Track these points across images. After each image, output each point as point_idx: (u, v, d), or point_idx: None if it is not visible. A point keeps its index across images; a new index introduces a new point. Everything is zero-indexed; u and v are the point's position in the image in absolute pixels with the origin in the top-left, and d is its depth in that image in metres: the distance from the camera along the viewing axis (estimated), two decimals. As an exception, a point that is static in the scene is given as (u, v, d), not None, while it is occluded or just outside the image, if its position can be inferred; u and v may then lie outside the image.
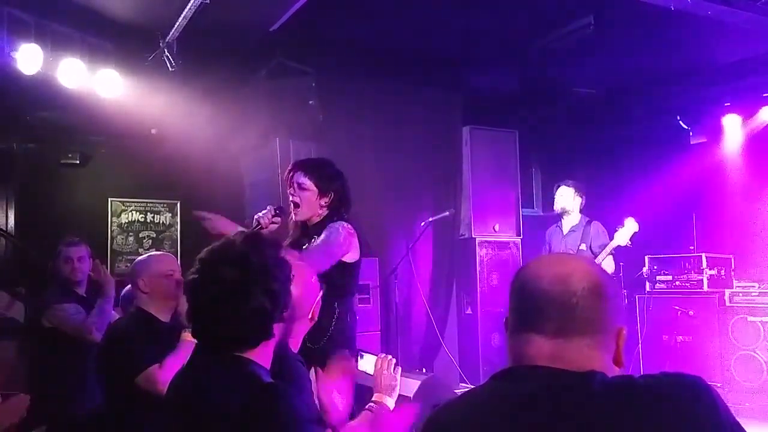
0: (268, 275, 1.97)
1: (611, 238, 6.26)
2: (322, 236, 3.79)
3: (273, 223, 3.93)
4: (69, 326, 4.70)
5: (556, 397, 1.41)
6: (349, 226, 3.90)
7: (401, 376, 5.20)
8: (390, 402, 2.66)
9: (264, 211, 3.93)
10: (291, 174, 3.99)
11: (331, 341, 3.67)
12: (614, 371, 1.49)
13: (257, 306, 1.93)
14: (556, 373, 1.44)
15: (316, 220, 3.96)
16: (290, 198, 3.97)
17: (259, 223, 3.90)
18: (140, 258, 3.72)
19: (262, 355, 2.00)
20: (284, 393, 1.88)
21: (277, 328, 2.05)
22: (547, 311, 1.48)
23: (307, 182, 3.91)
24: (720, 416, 1.39)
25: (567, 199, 6.70)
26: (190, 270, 2.03)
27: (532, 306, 1.51)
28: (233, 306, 1.93)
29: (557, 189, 6.81)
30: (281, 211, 3.95)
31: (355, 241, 3.88)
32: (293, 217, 3.97)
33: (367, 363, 2.86)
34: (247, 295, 1.93)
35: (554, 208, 6.83)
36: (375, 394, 2.67)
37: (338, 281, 3.75)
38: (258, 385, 1.88)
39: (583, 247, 6.42)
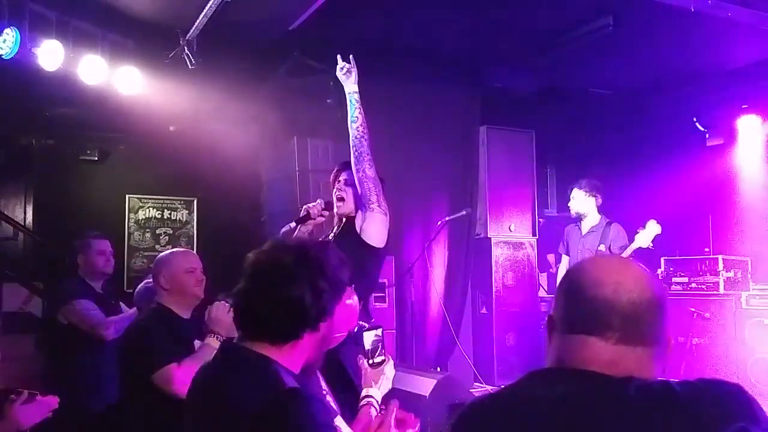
0: (319, 270, 2.00)
1: (631, 240, 6.23)
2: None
3: (321, 215, 4.02)
4: (86, 322, 4.68)
5: (600, 401, 1.42)
6: None
7: (417, 375, 5.25)
8: (378, 394, 2.63)
9: (315, 203, 4.07)
10: (338, 172, 4.13)
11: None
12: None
13: (298, 294, 1.95)
14: (605, 377, 1.45)
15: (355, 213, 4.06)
16: (335, 194, 4.08)
17: (308, 213, 4.02)
18: (162, 254, 3.70)
19: (288, 359, 2.00)
20: (304, 399, 1.86)
21: (310, 340, 2.04)
22: (609, 319, 1.48)
23: (344, 177, 4.05)
24: (760, 426, 1.38)
25: (579, 202, 6.65)
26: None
27: (592, 311, 1.50)
28: (276, 287, 1.95)
29: (570, 192, 6.77)
30: (329, 206, 4.07)
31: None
32: (336, 210, 4.07)
33: (367, 338, 2.81)
34: (293, 281, 1.95)
35: (570, 212, 6.79)
36: (364, 389, 2.65)
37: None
38: (278, 389, 1.86)
39: (602, 248, 6.38)
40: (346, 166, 4.14)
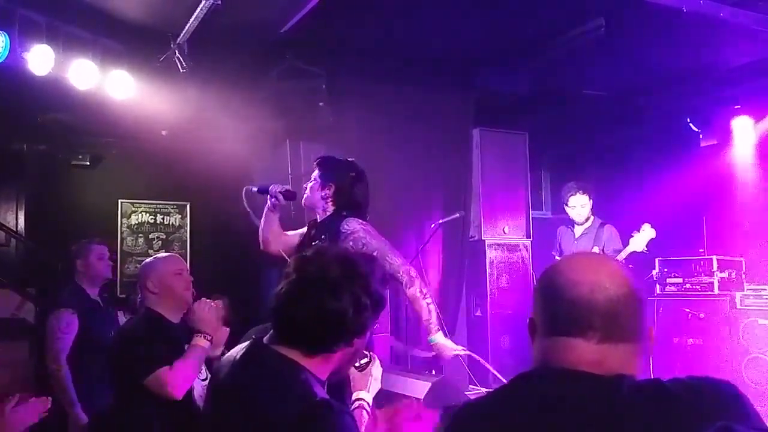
0: (364, 286, 1.99)
1: (624, 242, 6.21)
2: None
3: (275, 197, 4.07)
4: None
5: (592, 401, 1.42)
6: (358, 219, 3.97)
7: (411, 378, 5.22)
8: (368, 396, 2.62)
9: (281, 186, 4.10)
10: (313, 168, 4.21)
11: None
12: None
13: (341, 308, 1.94)
14: (594, 377, 1.45)
15: (322, 215, 4.07)
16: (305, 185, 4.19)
17: (267, 191, 4.10)
18: (147, 260, 3.72)
19: (318, 368, 1.99)
20: (335, 412, 1.85)
21: (342, 354, 2.04)
22: (589, 319, 1.48)
23: (315, 172, 4.11)
24: (751, 422, 1.38)
25: (587, 207, 6.66)
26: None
27: (571, 313, 1.50)
28: (321, 299, 1.94)
29: (570, 197, 6.71)
30: (288, 195, 4.08)
31: (372, 230, 3.97)
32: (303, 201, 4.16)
33: None
34: (338, 295, 1.95)
35: (575, 219, 6.75)
36: (354, 393, 2.63)
37: None
38: (310, 400, 1.85)
39: (595, 249, 6.37)
40: (320, 162, 4.19)
